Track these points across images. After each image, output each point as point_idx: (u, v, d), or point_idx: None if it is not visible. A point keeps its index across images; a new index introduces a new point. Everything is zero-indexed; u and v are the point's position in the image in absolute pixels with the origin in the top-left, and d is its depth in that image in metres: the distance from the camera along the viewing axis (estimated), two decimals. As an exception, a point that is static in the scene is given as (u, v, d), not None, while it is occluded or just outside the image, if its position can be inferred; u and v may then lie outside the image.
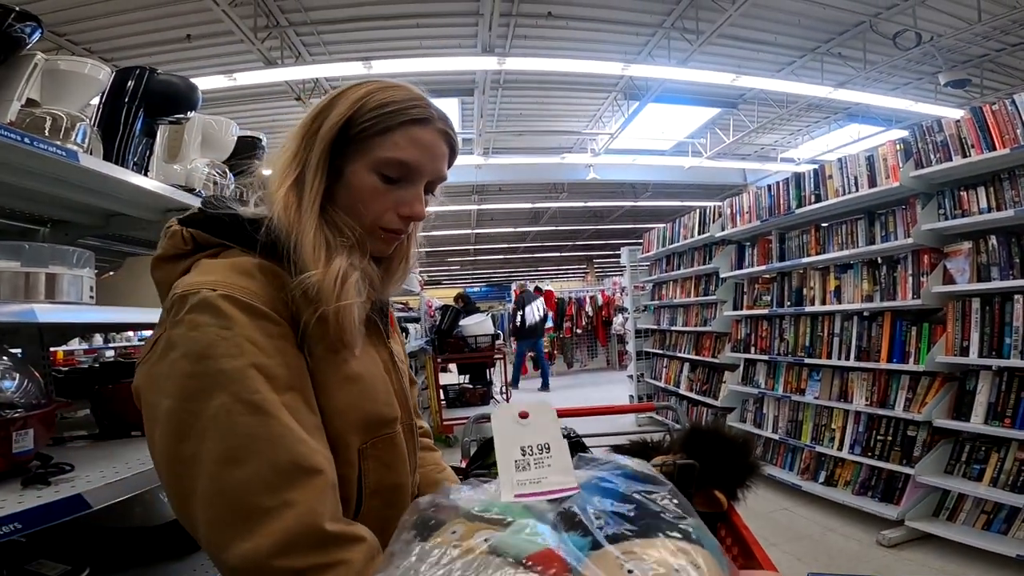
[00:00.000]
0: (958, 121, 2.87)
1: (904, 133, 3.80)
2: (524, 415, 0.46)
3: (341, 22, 6.11)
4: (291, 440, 0.61)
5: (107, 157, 1.44)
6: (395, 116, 0.75)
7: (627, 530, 0.35)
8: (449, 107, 8.46)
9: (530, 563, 0.33)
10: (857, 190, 3.42)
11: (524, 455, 0.43)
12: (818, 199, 3.72)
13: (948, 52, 6.85)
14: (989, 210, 2.76)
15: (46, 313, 1.18)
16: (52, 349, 2.63)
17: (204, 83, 1.74)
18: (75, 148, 1.24)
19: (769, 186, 4.26)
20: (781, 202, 4.07)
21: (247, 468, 0.58)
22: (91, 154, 1.32)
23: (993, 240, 2.74)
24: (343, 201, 0.77)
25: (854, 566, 2.75)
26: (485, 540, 0.36)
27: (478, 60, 6.49)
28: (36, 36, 1.18)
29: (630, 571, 0.32)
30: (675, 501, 0.40)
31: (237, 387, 0.61)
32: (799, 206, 3.89)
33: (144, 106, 1.53)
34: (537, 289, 11.16)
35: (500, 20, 6.00)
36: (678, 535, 0.34)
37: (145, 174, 1.61)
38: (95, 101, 1.54)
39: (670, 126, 9.82)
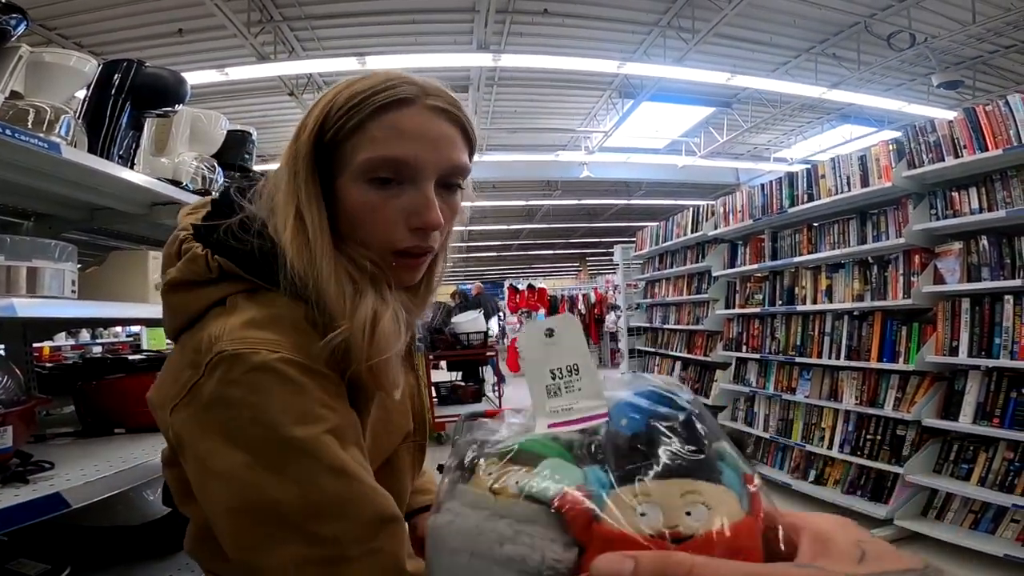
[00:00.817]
0: (951, 121, 2.88)
1: (896, 134, 3.81)
2: (550, 332, 0.44)
3: (336, 17, 6.07)
4: (372, 496, 0.60)
5: (92, 150, 1.42)
6: (365, 105, 0.62)
7: (645, 466, 0.34)
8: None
9: (557, 506, 0.33)
10: (849, 190, 3.43)
11: (554, 379, 0.42)
12: (811, 198, 3.73)
13: (941, 53, 6.88)
14: (980, 211, 2.77)
15: (26, 307, 1.16)
16: (38, 345, 2.60)
17: (196, 77, 1.72)
18: (58, 140, 1.22)
19: (762, 185, 4.27)
20: (774, 201, 4.08)
21: (337, 525, 0.56)
22: (75, 147, 1.30)
23: (984, 241, 2.75)
24: (346, 228, 0.65)
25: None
26: (516, 483, 0.36)
27: (473, 57, 6.47)
28: (21, 28, 1.16)
29: (643, 514, 0.31)
30: (700, 426, 0.38)
31: (318, 453, 0.57)
32: (792, 205, 3.89)
33: (131, 99, 1.51)
34: (527, 288, 11.16)
35: (496, 16, 5.98)
36: (695, 472, 0.34)
37: (131, 167, 1.58)
38: (81, 94, 1.51)
39: (664, 125, 9.83)
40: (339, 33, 6.36)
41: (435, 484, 1.05)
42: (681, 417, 0.38)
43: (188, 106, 1.82)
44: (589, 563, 0.30)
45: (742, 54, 7.14)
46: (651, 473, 0.34)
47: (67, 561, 1.33)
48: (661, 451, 0.36)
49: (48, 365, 2.78)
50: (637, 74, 7.19)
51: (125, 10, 5.41)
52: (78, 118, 1.37)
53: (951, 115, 2.97)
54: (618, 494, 0.33)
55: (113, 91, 1.47)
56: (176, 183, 1.76)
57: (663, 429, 0.37)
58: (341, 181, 0.64)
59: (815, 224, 3.80)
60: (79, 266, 1.44)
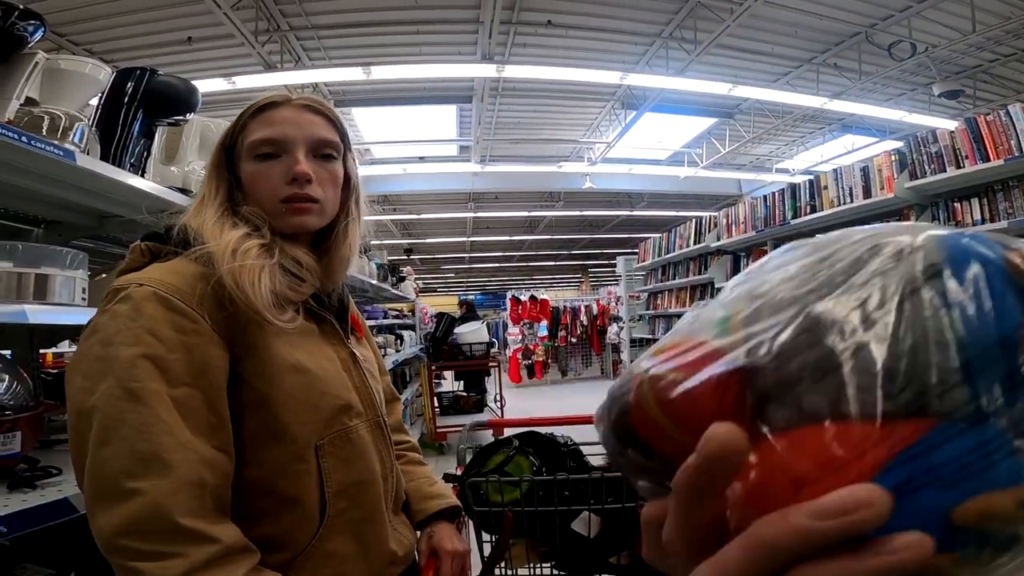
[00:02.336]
0: (952, 132, 2.90)
1: (898, 144, 3.84)
2: None
3: (342, 27, 6.13)
4: (157, 431, 0.65)
5: (104, 157, 1.43)
6: (247, 113, 0.86)
7: None
8: (447, 114, 8.49)
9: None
10: (852, 201, 3.44)
11: None
12: (813, 209, 3.74)
13: (942, 63, 6.92)
14: (982, 221, 2.78)
15: (37, 314, 1.17)
16: (42, 351, 2.60)
17: (203, 86, 1.74)
18: (72, 148, 1.23)
19: (765, 197, 4.28)
20: (777, 213, 4.09)
21: (110, 449, 0.64)
22: (88, 154, 1.31)
23: (987, 251, 2.76)
24: (247, 196, 0.84)
25: None
26: None
27: (477, 67, 6.52)
28: (39, 35, 1.17)
29: None
30: None
31: (123, 374, 0.66)
32: (795, 216, 3.91)
33: (143, 107, 1.53)
34: (529, 299, 11.16)
35: (500, 28, 6.03)
36: None
37: (142, 175, 1.60)
38: (94, 101, 1.53)
39: (667, 136, 9.87)
40: (345, 43, 6.42)
41: (448, 490, 1.06)
42: None
43: (196, 115, 1.84)
44: None
45: (744, 64, 7.18)
46: None
47: (72, 566, 1.33)
48: None
49: (52, 371, 2.78)
50: (640, 85, 7.23)
51: (136, 17, 5.47)
52: (91, 126, 1.38)
53: (952, 125, 2.99)
54: None
55: (126, 99, 1.49)
56: (185, 191, 1.77)
57: None
58: (241, 166, 0.85)
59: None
60: (89, 273, 1.45)
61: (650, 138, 9.74)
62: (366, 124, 8.24)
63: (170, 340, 0.69)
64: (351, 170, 0.93)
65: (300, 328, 0.80)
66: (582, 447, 1.26)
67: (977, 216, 2.79)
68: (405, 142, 9.23)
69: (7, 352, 1.85)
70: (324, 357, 0.84)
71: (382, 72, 6.02)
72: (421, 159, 10.06)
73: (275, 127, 0.84)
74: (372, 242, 4.76)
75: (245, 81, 6.18)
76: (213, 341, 0.73)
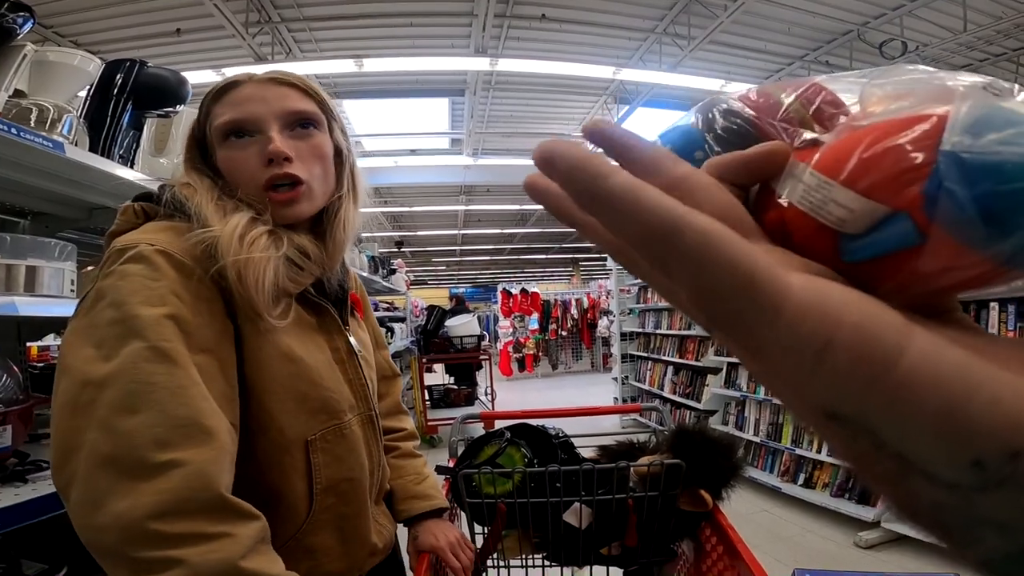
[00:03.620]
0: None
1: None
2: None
3: (334, 19, 6.07)
4: (194, 395, 0.58)
5: (93, 149, 1.42)
6: (208, 98, 0.81)
7: None
8: (439, 107, 8.45)
9: None
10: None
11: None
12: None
13: (933, 62, 6.97)
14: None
15: (27, 306, 1.16)
16: (28, 344, 2.58)
17: (192, 78, 1.72)
18: (61, 139, 1.22)
19: (755, 192, 4.31)
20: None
21: (140, 417, 0.54)
22: (77, 146, 1.30)
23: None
24: (228, 184, 0.78)
25: (832, 567, 2.78)
26: None
27: (471, 61, 6.49)
28: (27, 27, 1.16)
29: None
30: None
31: (151, 334, 0.58)
32: (784, 212, 3.94)
33: (133, 99, 1.52)
34: (520, 292, 11.16)
35: (494, 21, 6.00)
36: None
37: (131, 167, 1.59)
38: (83, 93, 1.52)
39: (659, 131, 9.87)
40: (337, 35, 6.36)
41: (437, 490, 1.06)
42: None
43: (186, 106, 1.82)
44: None
45: (737, 61, 7.20)
46: None
47: (64, 561, 1.33)
48: None
49: (39, 365, 2.76)
50: (633, 80, 7.23)
51: (123, 9, 5.39)
52: (80, 117, 1.37)
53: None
54: None
55: (115, 91, 1.48)
56: (175, 183, 1.76)
57: None
58: (216, 153, 0.79)
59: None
60: (77, 265, 1.44)
61: (642, 133, 9.73)
62: (357, 116, 8.18)
63: (191, 304, 0.64)
64: (339, 141, 0.85)
65: (295, 317, 0.76)
66: (573, 439, 1.27)
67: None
68: (397, 135, 9.18)
69: (-5, 345, 1.83)
70: (316, 347, 0.79)
71: (374, 64, 5.98)
72: (413, 152, 10.01)
73: (240, 106, 0.77)
74: (363, 234, 4.73)
75: (235, 73, 6.11)
76: (223, 310, 0.69)
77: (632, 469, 1.10)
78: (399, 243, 16.12)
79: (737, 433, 4.24)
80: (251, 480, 0.71)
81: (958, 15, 5.87)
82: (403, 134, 9.17)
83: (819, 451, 3.54)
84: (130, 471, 0.53)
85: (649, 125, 9.36)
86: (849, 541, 3.04)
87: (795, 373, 0.17)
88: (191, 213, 0.71)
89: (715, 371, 4.79)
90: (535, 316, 11.35)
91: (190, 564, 0.51)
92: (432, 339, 6.14)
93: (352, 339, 0.86)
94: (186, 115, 1.88)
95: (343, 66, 6.06)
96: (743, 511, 3.46)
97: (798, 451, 3.69)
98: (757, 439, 4.09)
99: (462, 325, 6.31)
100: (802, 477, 3.70)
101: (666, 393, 5.55)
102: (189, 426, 0.56)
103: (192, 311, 0.64)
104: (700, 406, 4.84)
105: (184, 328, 0.62)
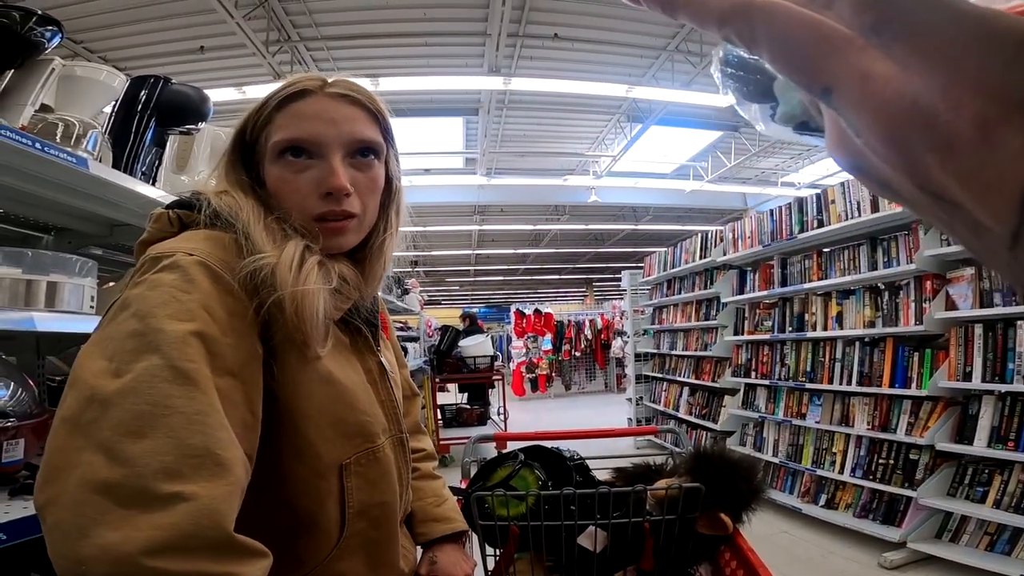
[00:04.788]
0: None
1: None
2: None
3: (351, 38, 6.19)
4: (213, 423, 0.52)
5: (116, 165, 1.44)
6: (271, 103, 0.74)
7: None
8: (453, 126, 8.54)
9: None
10: (860, 215, 3.43)
11: None
12: (820, 224, 3.73)
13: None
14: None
15: (45, 322, 1.17)
16: (48, 358, 2.60)
17: (214, 95, 1.75)
18: (85, 155, 1.24)
19: (771, 211, 4.27)
20: (783, 227, 4.08)
21: (148, 442, 0.48)
22: (101, 162, 1.32)
23: (996, 268, 2.74)
24: (274, 203, 0.73)
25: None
26: None
27: (484, 80, 6.57)
28: (56, 41, 1.18)
29: None
30: None
31: (173, 351, 0.52)
32: (801, 231, 3.89)
33: (156, 116, 1.54)
34: (533, 312, 11.13)
35: (507, 40, 6.08)
36: None
37: (153, 184, 1.61)
38: (107, 109, 1.54)
39: (672, 149, 9.89)
40: (353, 54, 6.48)
41: (457, 512, 1.04)
42: None
43: (207, 124, 1.85)
44: None
45: (750, 80, 7.21)
46: None
47: None
48: None
49: (57, 378, 2.78)
50: (645, 98, 7.26)
51: (150, 26, 5.54)
52: (104, 133, 1.40)
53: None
54: None
55: (139, 107, 1.50)
56: (195, 200, 1.78)
57: None
58: (265, 167, 0.74)
59: (825, 250, 3.80)
60: (98, 282, 1.45)
61: (656, 151, 9.76)
62: (373, 136, 8.30)
63: (223, 322, 0.59)
64: (393, 172, 0.82)
65: (332, 341, 0.74)
66: (588, 461, 1.25)
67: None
68: (411, 154, 9.28)
69: (12, 359, 1.85)
70: (352, 369, 0.76)
71: (390, 83, 6.07)
72: (427, 171, 10.11)
73: (304, 124, 0.72)
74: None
75: (255, 91, 6.24)
76: (256, 332, 0.64)
77: (649, 492, 1.07)
78: (414, 262, 16.21)
79: (755, 454, 4.16)
80: (284, 505, 0.68)
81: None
82: (417, 153, 9.27)
83: (841, 472, 3.45)
84: (128, 500, 0.46)
85: (663, 143, 9.39)
86: (873, 562, 2.95)
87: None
88: (239, 229, 0.67)
89: (732, 392, 4.72)
90: (548, 336, 11.31)
91: None
92: (445, 359, 6.13)
93: (383, 359, 0.85)
94: (207, 133, 1.91)
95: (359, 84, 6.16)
96: (763, 532, 3.37)
97: (819, 472, 3.61)
98: (776, 460, 4.00)
99: (475, 345, 6.29)
100: (823, 498, 3.61)
101: (681, 414, 5.47)
102: (204, 457, 0.50)
103: (223, 330, 0.58)
104: (717, 427, 4.76)
105: (211, 348, 0.56)
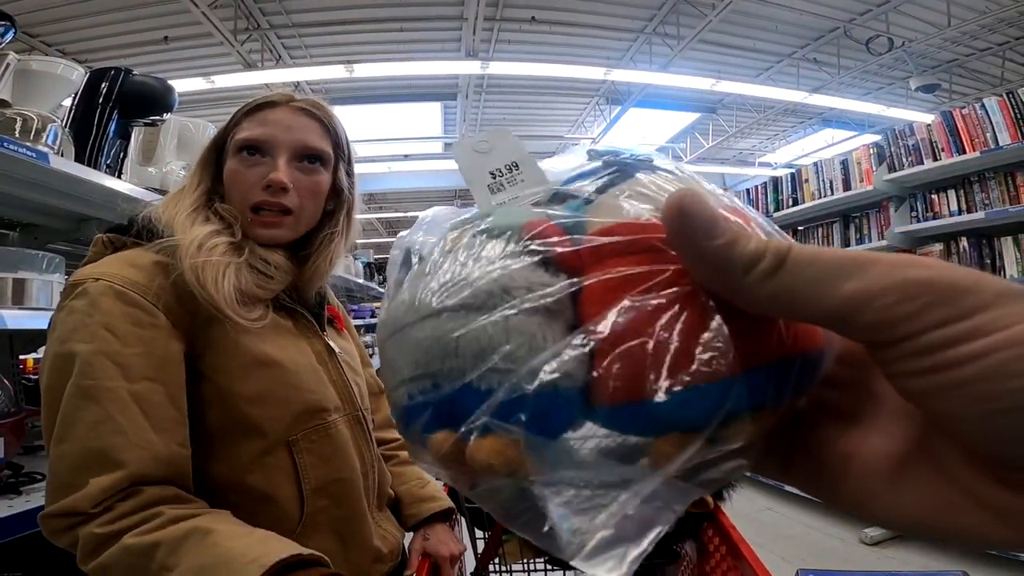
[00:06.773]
0: (929, 125, 2.95)
1: (876, 137, 3.89)
2: (484, 143, 0.39)
3: (323, 25, 6.08)
4: (107, 431, 0.65)
5: (79, 159, 1.41)
6: (243, 110, 0.85)
7: (615, 179, 0.30)
8: (431, 112, 8.45)
9: (526, 232, 0.27)
10: (832, 193, 3.48)
11: (495, 178, 0.37)
12: (795, 203, 3.78)
13: (919, 57, 7.02)
14: (960, 212, 2.82)
15: (15, 319, 1.15)
16: (22, 356, 2.56)
17: (181, 85, 1.71)
18: (45, 150, 1.21)
19: (747, 190, 4.32)
20: (759, 206, 4.13)
21: (65, 447, 0.64)
22: (62, 156, 1.29)
23: (964, 242, 2.81)
24: (225, 192, 0.83)
25: (838, 564, 2.78)
26: (474, 232, 0.29)
27: (462, 64, 6.50)
28: (10, 36, 1.15)
29: (629, 195, 0.27)
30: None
31: (79, 371, 0.66)
32: (776, 209, 3.95)
33: (119, 107, 1.50)
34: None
35: (484, 24, 6.02)
36: (663, 170, 0.31)
37: (119, 177, 1.58)
38: (68, 102, 1.50)
39: (651, 131, 9.92)
40: (327, 41, 6.37)
41: (441, 492, 1.05)
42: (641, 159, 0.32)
43: (174, 115, 1.81)
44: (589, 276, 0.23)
45: (726, 60, 7.24)
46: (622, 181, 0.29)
47: (62, 574, 1.32)
48: (626, 167, 0.31)
49: (33, 377, 2.73)
50: (624, 80, 7.26)
51: (110, 17, 5.39)
52: (65, 127, 1.36)
53: (929, 118, 3.03)
54: (596, 202, 0.27)
55: (100, 100, 1.46)
56: (163, 192, 1.75)
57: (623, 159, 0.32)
58: (227, 160, 0.83)
59: (800, 228, 3.85)
60: (66, 277, 1.43)
61: (635, 133, 9.78)
62: (349, 122, 8.18)
63: (127, 335, 0.68)
64: (340, 182, 0.89)
65: (271, 323, 0.79)
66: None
67: (955, 207, 2.84)
68: (389, 140, 9.18)
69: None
70: (297, 351, 0.82)
71: (365, 70, 5.98)
72: (406, 157, 10.02)
73: (264, 128, 0.82)
74: (358, 241, 4.72)
75: (225, 80, 6.11)
76: (172, 335, 0.72)
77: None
78: (394, 248, 16.07)
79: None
80: (237, 482, 0.75)
81: (942, 10, 5.91)
82: (396, 139, 9.18)
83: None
84: (57, 489, 0.64)
85: (642, 125, 9.41)
86: (855, 538, 3.03)
87: None
88: (162, 233, 0.76)
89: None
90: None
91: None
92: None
93: (331, 342, 0.89)
94: (174, 124, 1.87)
95: (334, 72, 6.06)
96: (747, 510, 3.45)
97: (797, 448, 3.70)
98: (755, 437, 4.09)
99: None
100: (801, 473, 3.71)
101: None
102: (101, 458, 0.64)
103: (127, 343, 0.68)
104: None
105: (118, 360, 0.67)
